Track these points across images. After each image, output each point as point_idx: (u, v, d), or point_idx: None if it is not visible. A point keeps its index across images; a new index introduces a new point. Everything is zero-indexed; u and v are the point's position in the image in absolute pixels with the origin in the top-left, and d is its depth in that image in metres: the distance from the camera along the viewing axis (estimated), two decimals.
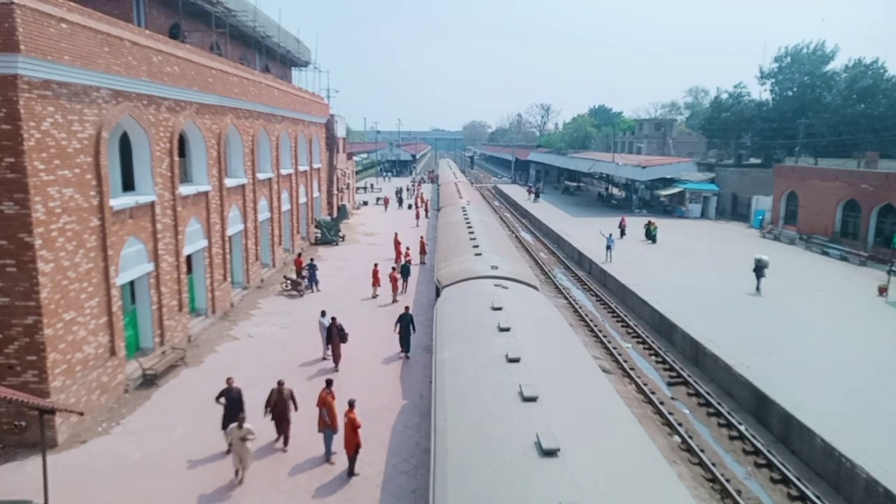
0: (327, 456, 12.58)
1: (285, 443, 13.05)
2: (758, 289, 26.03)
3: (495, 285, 14.26)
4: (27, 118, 11.87)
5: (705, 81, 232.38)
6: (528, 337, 10.77)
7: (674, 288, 26.26)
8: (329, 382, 12.92)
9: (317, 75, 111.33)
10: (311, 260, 27.40)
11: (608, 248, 32.10)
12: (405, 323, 18.45)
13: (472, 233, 22.46)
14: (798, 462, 13.87)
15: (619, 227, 40.29)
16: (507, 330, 10.80)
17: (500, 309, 12.04)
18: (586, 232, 41.50)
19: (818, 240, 37.65)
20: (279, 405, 12.87)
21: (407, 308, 18.86)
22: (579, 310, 25.62)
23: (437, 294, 16.71)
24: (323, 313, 18.61)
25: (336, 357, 17.66)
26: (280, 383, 13.08)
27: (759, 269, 26.25)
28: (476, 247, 19.34)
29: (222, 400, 12.97)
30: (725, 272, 29.77)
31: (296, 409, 13.10)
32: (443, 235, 25.75)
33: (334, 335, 17.57)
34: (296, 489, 11.58)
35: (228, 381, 13.08)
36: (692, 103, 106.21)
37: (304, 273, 26.40)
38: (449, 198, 40.12)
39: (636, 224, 42.52)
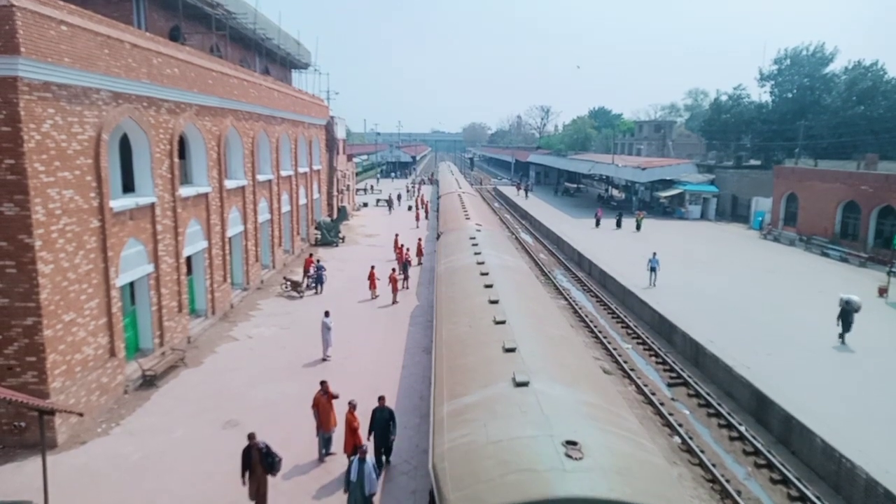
0: (320, 456, 12.71)
1: None
2: (843, 340, 19.58)
3: None
4: (27, 120, 11.90)
5: (705, 83, 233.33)
6: None
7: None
8: (323, 384, 12.90)
9: (317, 77, 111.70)
10: (318, 261, 27.48)
11: (652, 269, 26.40)
12: (381, 422, 12.10)
13: (495, 301, 13.89)
14: (798, 462, 13.85)
15: (595, 217, 46.51)
16: None
17: None
18: (590, 236, 41.69)
19: (818, 241, 37.64)
20: None
21: (382, 400, 12.35)
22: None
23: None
24: (327, 314, 18.60)
25: (253, 494, 10.66)
26: None
27: (847, 313, 19.48)
28: (512, 350, 10.63)
29: None
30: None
31: None
32: (444, 306, 15.16)
33: (254, 462, 10.67)
34: (296, 489, 11.60)
35: None
36: (692, 105, 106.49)
37: (312, 273, 26.42)
38: (452, 217, 30.05)
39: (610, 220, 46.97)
